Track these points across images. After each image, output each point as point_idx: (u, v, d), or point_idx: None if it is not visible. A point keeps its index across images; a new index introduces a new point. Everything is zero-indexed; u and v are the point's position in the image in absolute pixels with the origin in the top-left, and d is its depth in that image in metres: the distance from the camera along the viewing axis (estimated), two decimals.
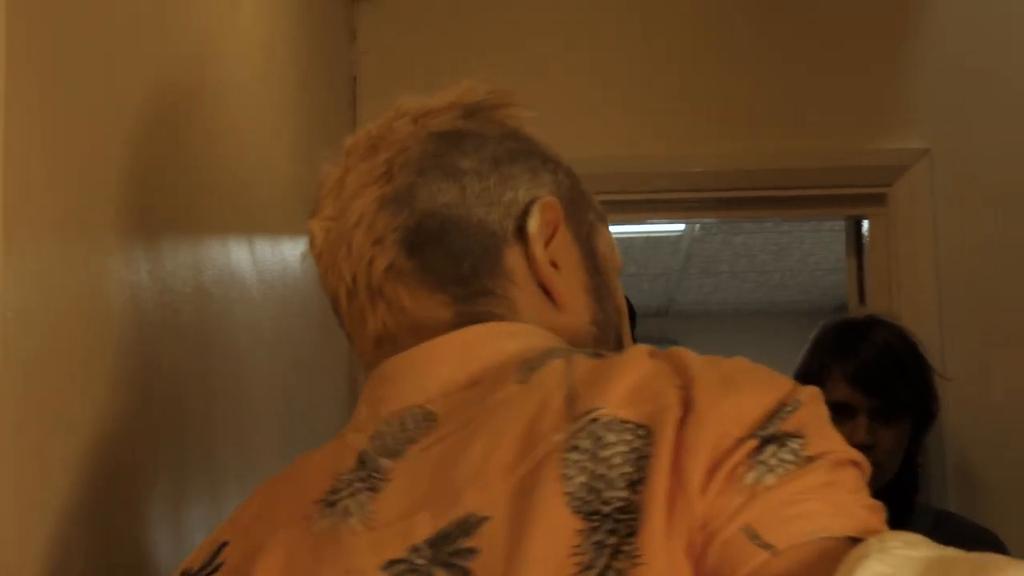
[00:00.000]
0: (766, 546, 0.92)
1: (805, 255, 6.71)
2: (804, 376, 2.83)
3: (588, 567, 0.92)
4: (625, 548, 0.92)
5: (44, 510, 1.19)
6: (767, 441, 0.96)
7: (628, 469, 0.95)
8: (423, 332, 1.21)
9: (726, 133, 3.51)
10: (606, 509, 0.94)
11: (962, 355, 3.36)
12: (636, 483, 0.94)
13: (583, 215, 1.29)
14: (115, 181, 1.45)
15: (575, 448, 0.97)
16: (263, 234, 2.15)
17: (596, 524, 0.93)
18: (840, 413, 2.74)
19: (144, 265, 1.54)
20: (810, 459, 0.95)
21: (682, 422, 0.97)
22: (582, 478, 0.96)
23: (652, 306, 7.29)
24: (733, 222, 5.53)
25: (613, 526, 0.93)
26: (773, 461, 0.95)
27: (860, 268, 3.68)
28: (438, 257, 1.22)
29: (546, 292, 1.23)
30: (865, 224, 3.63)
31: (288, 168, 2.33)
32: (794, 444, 0.96)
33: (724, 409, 0.98)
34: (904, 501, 2.84)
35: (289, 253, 2.33)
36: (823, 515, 0.94)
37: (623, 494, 0.94)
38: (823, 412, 1.01)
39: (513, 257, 1.23)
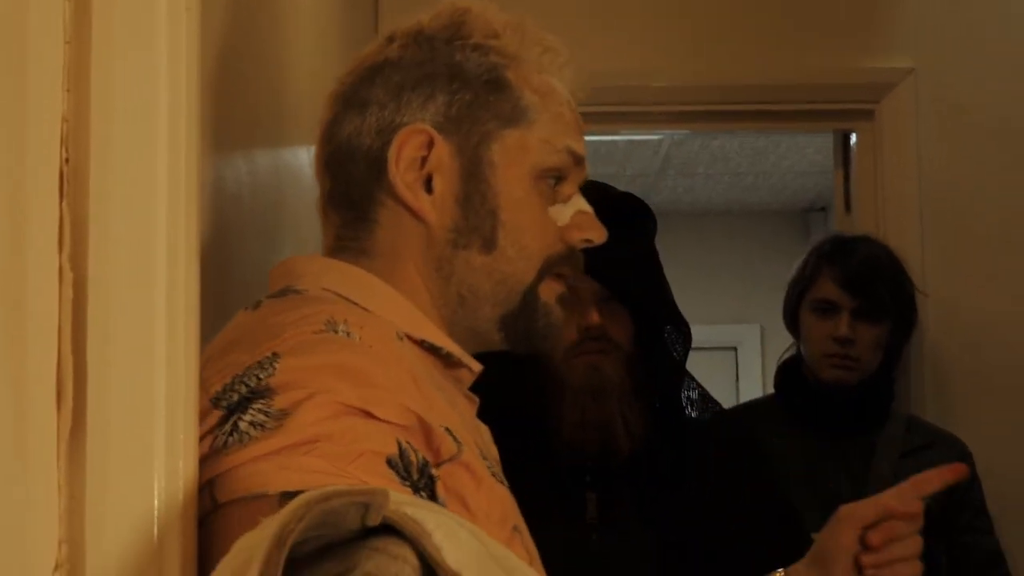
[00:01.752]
0: (213, 500, 1.05)
1: (780, 159, 6.82)
2: (799, 277, 3.08)
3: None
4: None
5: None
6: (232, 410, 1.09)
7: None
8: (327, 249, 1.43)
9: (724, 50, 3.66)
10: None
11: (941, 266, 3.56)
12: None
13: (477, 126, 1.38)
14: (235, 109, 1.66)
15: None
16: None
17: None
18: (826, 310, 2.99)
19: (244, 169, 1.80)
20: (280, 415, 1.07)
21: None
22: None
23: None
24: None
25: None
26: (235, 428, 1.07)
27: (847, 179, 3.87)
28: (339, 182, 1.40)
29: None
30: (853, 138, 3.81)
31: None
32: (259, 405, 1.08)
33: (206, 376, 1.12)
34: (879, 407, 3.09)
35: None
36: (266, 473, 1.05)
37: None
38: (315, 361, 1.12)
39: (385, 181, 1.37)
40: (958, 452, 3.05)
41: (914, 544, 1.67)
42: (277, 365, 1.11)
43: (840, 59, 3.68)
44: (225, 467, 1.07)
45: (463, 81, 1.39)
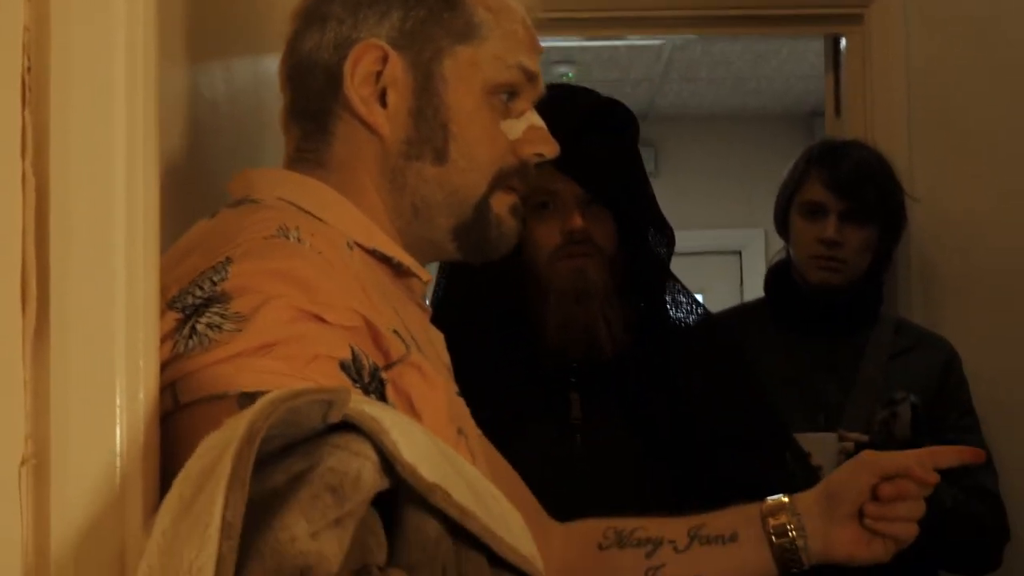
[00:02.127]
0: (175, 400, 1.11)
1: (782, 63, 6.82)
2: (789, 180, 3.12)
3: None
4: None
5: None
6: (189, 314, 1.14)
7: None
8: (287, 159, 1.49)
9: None
10: None
11: (928, 168, 3.58)
12: None
13: (430, 42, 1.44)
14: (208, 14, 1.71)
15: None
16: None
17: None
18: (814, 212, 3.03)
19: (221, 81, 1.84)
20: (238, 319, 1.13)
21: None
22: None
23: (634, 109, 7.42)
24: None
25: None
26: (194, 332, 1.13)
27: (837, 83, 3.88)
28: (300, 95, 1.47)
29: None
30: (843, 42, 3.82)
31: None
32: (216, 308, 1.14)
33: (164, 282, 1.16)
34: (868, 310, 3.14)
35: None
36: (226, 375, 1.10)
37: None
38: (267, 266, 1.17)
39: (343, 95, 1.43)
40: (945, 353, 3.10)
41: (918, 508, 1.71)
42: (230, 269, 1.17)
43: None
44: (188, 370, 1.12)
45: None
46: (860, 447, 2.78)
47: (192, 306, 1.15)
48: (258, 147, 2.02)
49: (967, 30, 3.58)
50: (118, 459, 1.02)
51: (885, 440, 2.83)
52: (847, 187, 3.03)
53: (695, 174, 7.61)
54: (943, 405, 3.03)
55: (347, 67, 1.41)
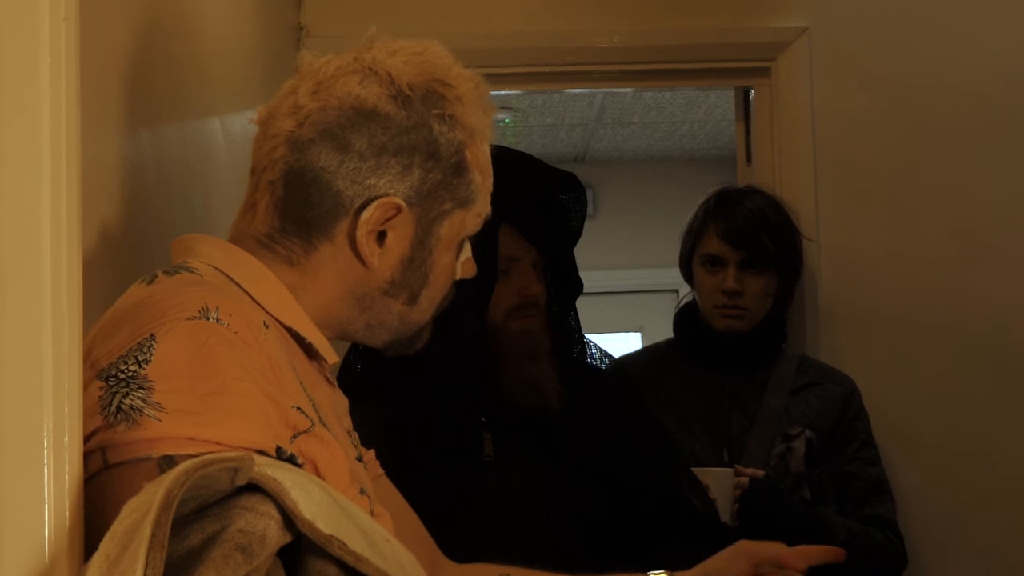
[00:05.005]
0: (105, 460, 1.24)
1: (712, 108, 6.97)
2: (688, 232, 3.28)
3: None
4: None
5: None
6: (116, 390, 1.26)
7: None
8: (246, 232, 1.60)
9: (635, 14, 3.83)
10: None
11: (833, 213, 3.74)
12: None
13: (437, 204, 1.59)
14: (137, 90, 1.85)
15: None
16: (231, 112, 2.52)
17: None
18: (714, 263, 3.19)
19: (148, 144, 1.96)
20: (158, 407, 1.25)
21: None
22: None
23: (570, 153, 7.50)
24: None
25: None
26: (120, 408, 1.25)
27: (748, 132, 4.04)
28: (296, 199, 1.57)
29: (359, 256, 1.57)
30: (752, 93, 3.98)
31: (247, 68, 2.70)
32: (140, 393, 1.26)
33: (94, 356, 1.30)
34: (772, 348, 3.29)
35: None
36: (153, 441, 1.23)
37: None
38: (207, 352, 1.30)
39: (345, 225, 1.56)
40: (845, 388, 3.25)
41: None
42: (154, 350, 1.29)
43: (739, 19, 3.84)
44: (116, 441, 1.25)
45: (436, 159, 1.59)
46: (754, 481, 2.93)
47: (116, 379, 1.28)
48: (186, 208, 2.15)
49: (869, 82, 3.75)
50: (47, 528, 1.13)
51: (781, 473, 2.98)
52: (742, 238, 3.19)
53: (631, 215, 7.76)
54: (842, 437, 3.17)
55: (365, 215, 1.55)
